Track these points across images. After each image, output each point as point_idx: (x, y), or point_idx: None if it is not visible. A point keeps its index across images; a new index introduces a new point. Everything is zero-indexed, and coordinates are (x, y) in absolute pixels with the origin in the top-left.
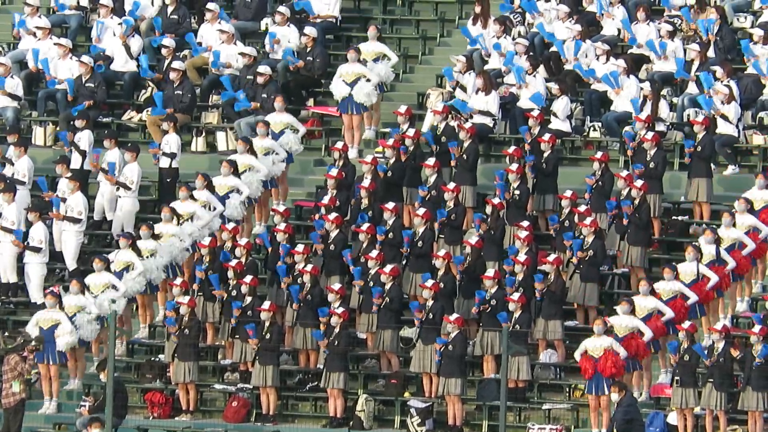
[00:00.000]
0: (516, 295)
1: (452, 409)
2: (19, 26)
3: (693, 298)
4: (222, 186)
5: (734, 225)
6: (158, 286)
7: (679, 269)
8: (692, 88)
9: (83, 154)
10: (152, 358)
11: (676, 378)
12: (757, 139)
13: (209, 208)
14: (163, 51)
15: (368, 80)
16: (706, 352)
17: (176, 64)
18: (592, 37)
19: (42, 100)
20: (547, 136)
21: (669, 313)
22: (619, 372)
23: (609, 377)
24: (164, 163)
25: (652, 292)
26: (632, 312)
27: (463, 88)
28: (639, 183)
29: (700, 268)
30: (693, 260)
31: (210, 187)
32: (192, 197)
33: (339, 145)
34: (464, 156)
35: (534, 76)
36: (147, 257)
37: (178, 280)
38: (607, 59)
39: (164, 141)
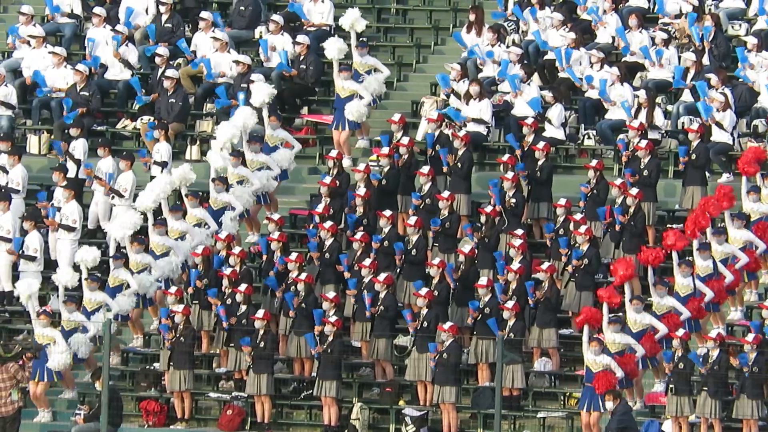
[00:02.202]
0: (510, 304)
1: (447, 417)
2: (12, 33)
3: (686, 314)
4: (216, 202)
5: (726, 240)
6: (153, 300)
7: (675, 283)
8: (687, 96)
9: (78, 162)
10: (147, 367)
11: (671, 386)
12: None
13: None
14: (157, 60)
15: (361, 98)
16: (701, 359)
17: (170, 73)
18: (587, 45)
19: (36, 109)
20: (541, 144)
21: (663, 330)
22: (612, 386)
23: (602, 394)
24: (155, 171)
25: (646, 308)
26: (623, 329)
27: (458, 96)
28: (634, 191)
29: (697, 283)
30: (687, 275)
31: (201, 203)
32: (185, 215)
33: (333, 153)
34: (458, 164)
35: (528, 84)
36: (139, 271)
37: (173, 289)
38: (602, 67)
39: (155, 149)
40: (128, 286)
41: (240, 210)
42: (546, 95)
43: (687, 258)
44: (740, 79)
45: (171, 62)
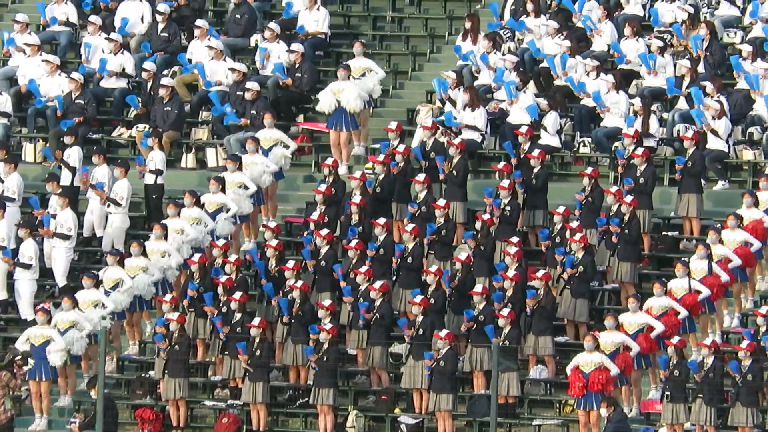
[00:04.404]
0: (505, 311)
1: (443, 425)
2: (8, 44)
3: (683, 312)
4: (211, 203)
5: (720, 241)
6: (150, 303)
7: (670, 285)
8: (682, 104)
9: (73, 170)
10: (142, 375)
11: (666, 393)
12: (747, 155)
13: (202, 224)
14: (144, 75)
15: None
16: (697, 366)
17: (165, 81)
18: (582, 52)
19: (32, 117)
20: (536, 152)
21: (659, 327)
22: (608, 388)
23: (598, 393)
24: (150, 179)
25: (642, 308)
26: (618, 328)
27: (453, 103)
28: (629, 199)
29: (692, 283)
30: (683, 276)
31: (198, 203)
32: (179, 214)
33: (329, 161)
34: (454, 172)
35: (524, 91)
36: (137, 274)
37: (168, 297)
38: (597, 75)
39: (149, 157)
40: (123, 284)
41: (234, 210)
42: (541, 103)
43: (683, 258)
44: (737, 84)
45: (167, 71)
